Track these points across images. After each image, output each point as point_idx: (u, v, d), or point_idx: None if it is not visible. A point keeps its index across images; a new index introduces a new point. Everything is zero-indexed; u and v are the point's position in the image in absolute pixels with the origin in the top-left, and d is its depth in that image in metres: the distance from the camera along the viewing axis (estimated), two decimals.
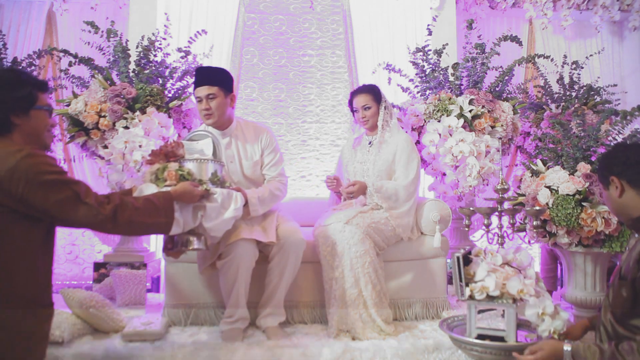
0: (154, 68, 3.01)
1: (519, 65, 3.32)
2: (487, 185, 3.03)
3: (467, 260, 1.94)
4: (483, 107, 3.06)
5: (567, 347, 1.59)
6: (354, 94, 2.74)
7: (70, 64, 3.04)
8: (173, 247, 1.89)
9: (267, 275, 2.34)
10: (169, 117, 2.89)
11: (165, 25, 3.12)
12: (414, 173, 2.59)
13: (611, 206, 1.67)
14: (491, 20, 4.29)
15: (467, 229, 2.14)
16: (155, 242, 3.55)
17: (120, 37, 3.04)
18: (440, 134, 3.01)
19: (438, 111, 3.07)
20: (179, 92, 3.04)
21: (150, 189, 1.78)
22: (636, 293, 1.50)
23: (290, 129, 3.96)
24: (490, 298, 1.83)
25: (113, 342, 2.16)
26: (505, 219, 2.12)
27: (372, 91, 2.70)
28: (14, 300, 1.41)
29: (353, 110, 2.75)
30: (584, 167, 2.45)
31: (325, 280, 2.37)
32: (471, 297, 1.84)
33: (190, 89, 3.08)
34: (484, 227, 2.11)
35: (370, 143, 2.73)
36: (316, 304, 2.49)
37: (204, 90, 2.34)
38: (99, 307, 2.24)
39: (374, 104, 2.67)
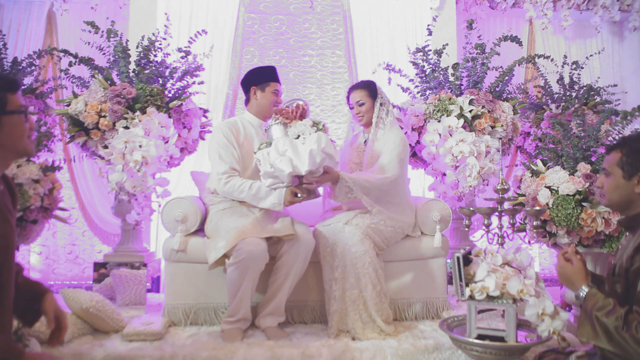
0: (154, 68, 3.01)
1: (519, 65, 3.32)
2: (487, 185, 3.03)
3: (467, 260, 1.94)
4: (483, 107, 3.06)
5: (585, 288, 1.53)
6: (350, 89, 2.74)
7: (70, 64, 3.04)
8: (300, 195, 2.27)
9: (273, 274, 2.34)
10: (169, 117, 2.89)
11: (165, 25, 3.12)
12: (394, 168, 2.48)
13: (621, 196, 1.58)
14: (491, 20, 4.29)
15: (467, 229, 2.15)
16: (155, 242, 3.56)
17: (121, 37, 3.04)
18: (440, 134, 3.01)
19: (438, 111, 3.07)
20: (179, 92, 3.04)
21: (324, 137, 2.22)
22: (629, 287, 1.49)
23: None
24: (490, 298, 1.83)
25: (113, 342, 2.16)
26: (505, 219, 2.12)
27: (368, 87, 2.67)
28: None
29: (350, 107, 2.74)
30: (584, 168, 2.45)
31: (325, 280, 2.37)
32: (471, 297, 1.84)
33: (191, 89, 3.08)
34: (484, 227, 2.11)
35: (365, 142, 2.72)
36: (316, 304, 2.49)
37: (280, 88, 2.67)
38: (99, 307, 2.24)
39: (369, 99, 2.65)
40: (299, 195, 2.28)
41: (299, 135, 2.27)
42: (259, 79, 2.62)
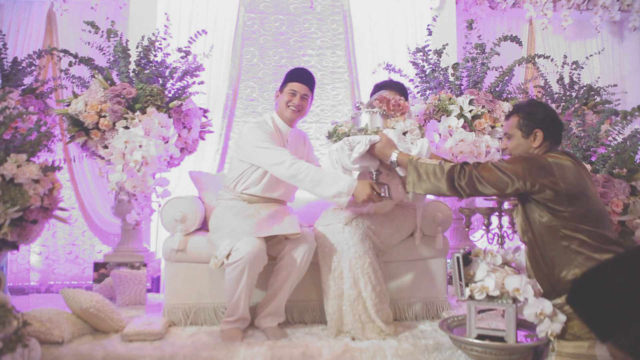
0: (154, 68, 3.01)
1: (519, 65, 3.32)
2: None
3: (467, 260, 1.94)
4: (483, 107, 3.06)
5: (396, 152, 2.06)
6: (382, 88, 2.62)
7: (70, 64, 3.04)
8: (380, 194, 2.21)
9: (273, 274, 2.34)
10: (169, 117, 2.89)
11: (165, 26, 3.12)
12: None
13: (519, 149, 1.95)
14: (491, 20, 4.29)
15: (467, 229, 2.15)
16: (155, 242, 3.56)
17: (121, 37, 3.04)
18: (440, 134, 3.01)
19: (438, 111, 3.07)
20: (179, 92, 3.04)
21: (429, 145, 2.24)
22: None
23: None
24: (490, 298, 1.83)
25: (113, 342, 2.16)
26: (505, 219, 2.12)
27: (402, 91, 2.62)
28: None
29: None
30: None
31: (324, 281, 2.37)
32: (471, 297, 1.84)
33: (191, 89, 3.08)
34: (484, 227, 2.11)
35: None
36: (316, 304, 2.49)
37: (303, 89, 2.52)
38: (99, 307, 2.24)
39: None
40: (375, 192, 2.16)
41: (405, 132, 2.23)
42: (283, 81, 2.59)
